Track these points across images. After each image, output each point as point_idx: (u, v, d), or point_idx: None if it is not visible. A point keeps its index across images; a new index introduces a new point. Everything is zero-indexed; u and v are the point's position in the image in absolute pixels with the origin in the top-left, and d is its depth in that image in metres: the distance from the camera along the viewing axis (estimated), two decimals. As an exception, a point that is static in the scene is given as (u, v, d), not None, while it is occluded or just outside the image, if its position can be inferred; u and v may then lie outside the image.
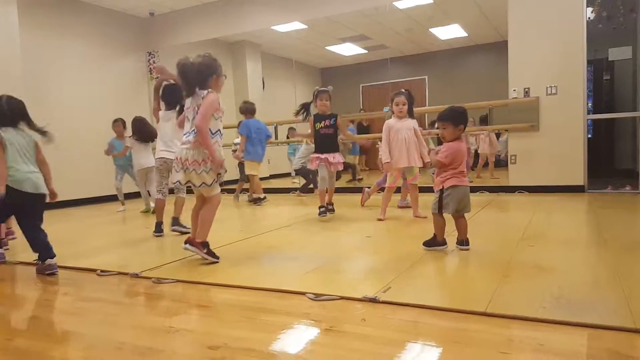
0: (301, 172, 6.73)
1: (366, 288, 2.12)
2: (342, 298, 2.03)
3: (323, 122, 4.18)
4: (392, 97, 4.19)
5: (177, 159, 2.73)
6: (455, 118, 2.70)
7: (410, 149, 4.05)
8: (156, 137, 5.23)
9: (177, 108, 3.30)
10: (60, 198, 6.66)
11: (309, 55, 9.67)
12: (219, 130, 2.73)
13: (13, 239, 3.87)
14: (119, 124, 5.94)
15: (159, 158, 3.98)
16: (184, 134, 2.78)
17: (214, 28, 7.66)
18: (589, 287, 2.07)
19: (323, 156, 4.16)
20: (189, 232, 3.90)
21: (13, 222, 3.70)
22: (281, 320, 1.85)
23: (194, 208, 2.92)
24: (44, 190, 2.98)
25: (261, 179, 6.19)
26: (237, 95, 8.49)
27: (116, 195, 6.20)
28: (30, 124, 2.97)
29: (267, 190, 6.33)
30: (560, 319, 1.66)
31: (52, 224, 5.10)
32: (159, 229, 3.94)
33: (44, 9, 6.76)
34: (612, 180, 5.83)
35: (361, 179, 7.93)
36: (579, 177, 5.43)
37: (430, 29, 8.41)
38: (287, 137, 7.98)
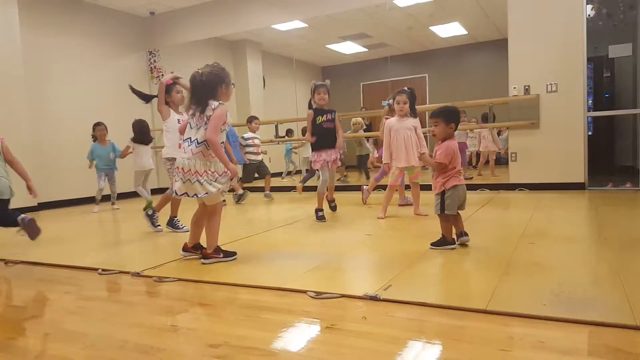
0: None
1: (367, 286, 2.13)
2: (343, 296, 2.04)
3: (324, 115, 4.11)
4: (394, 96, 4.18)
5: (177, 168, 2.69)
6: (447, 115, 2.73)
7: (411, 149, 4.05)
8: (150, 141, 5.39)
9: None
10: (60, 197, 6.69)
11: (310, 54, 9.67)
12: (222, 142, 2.71)
13: None
14: (102, 127, 5.93)
15: (171, 158, 3.84)
16: (185, 141, 2.73)
17: (214, 27, 7.66)
18: (589, 284, 2.07)
19: (324, 156, 4.10)
20: (182, 232, 3.94)
21: None
22: (282, 319, 1.85)
23: (195, 214, 2.90)
24: (6, 195, 3.02)
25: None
26: (238, 94, 8.50)
27: (118, 193, 6.25)
28: None
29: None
30: (561, 316, 1.66)
31: (53, 223, 5.13)
32: (171, 224, 4.02)
33: (45, 9, 6.76)
34: (613, 177, 5.83)
35: (346, 175, 7.98)
36: (579, 174, 5.44)
37: (430, 27, 8.41)
38: (285, 136, 8.00)
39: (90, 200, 6.71)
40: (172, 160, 3.65)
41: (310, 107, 4.20)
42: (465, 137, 7.26)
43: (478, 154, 7.86)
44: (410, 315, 1.81)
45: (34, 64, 6.55)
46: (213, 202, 2.77)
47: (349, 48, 9.45)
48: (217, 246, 2.79)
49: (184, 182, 2.66)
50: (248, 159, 6.13)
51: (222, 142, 2.71)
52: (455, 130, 2.78)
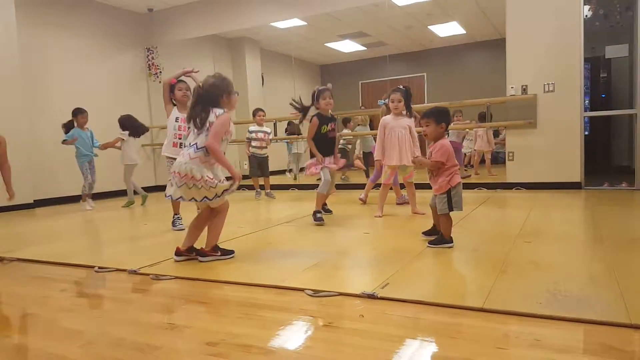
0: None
1: (364, 284, 2.14)
2: (340, 294, 2.04)
3: (329, 124, 3.97)
4: (389, 94, 4.17)
5: (174, 172, 2.63)
6: (438, 115, 2.80)
7: (404, 148, 4.04)
8: (147, 131, 5.40)
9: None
10: (57, 194, 6.68)
11: (308, 52, 9.66)
12: (224, 152, 2.68)
13: None
14: (86, 114, 5.85)
15: (169, 157, 3.80)
16: (185, 146, 2.70)
17: (212, 24, 7.65)
18: (585, 283, 2.08)
19: (327, 161, 3.97)
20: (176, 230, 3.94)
21: None
22: (280, 317, 1.86)
23: (198, 217, 2.86)
24: None
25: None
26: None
27: (114, 191, 6.22)
28: None
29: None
30: (557, 315, 1.67)
31: (49, 220, 5.12)
32: (178, 223, 4.00)
33: (42, 5, 6.73)
34: (609, 177, 5.85)
35: (346, 176, 7.98)
36: (575, 173, 5.46)
37: (429, 26, 8.41)
38: (285, 131, 7.99)
39: (100, 196, 6.69)
40: (170, 159, 3.67)
41: (306, 115, 4.04)
42: (457, 137, 7.22)
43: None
44: (408, 313, 1.81)
45: (31, 61, 6.52)
46: (217, 204, 2.73)
47: (348, 46, 9.45)
48: (216, 244, 2.78)
49: (179, 187, 2.60)
50: (252, 152, 6.05)
51: (224, 153, 2.66)
52: (446, 130, 2.84)
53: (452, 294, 2.00)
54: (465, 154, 7.90)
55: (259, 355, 1.51)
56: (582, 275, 2.22)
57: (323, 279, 2.29)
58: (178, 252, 2.81)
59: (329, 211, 4.33)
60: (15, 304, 2.30)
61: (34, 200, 6.24)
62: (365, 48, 9.49)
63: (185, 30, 7.87)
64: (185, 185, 2.58)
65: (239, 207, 5.55)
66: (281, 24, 7.66)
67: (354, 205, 4.96)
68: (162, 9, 8.01)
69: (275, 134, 7.58)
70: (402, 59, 9.63)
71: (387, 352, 1.49)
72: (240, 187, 6.48)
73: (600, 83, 7.81)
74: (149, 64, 8.28)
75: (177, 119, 3.80)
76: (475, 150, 7.54)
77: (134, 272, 2.63)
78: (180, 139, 3.75)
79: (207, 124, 2.61)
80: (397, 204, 4.74)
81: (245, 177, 6.51)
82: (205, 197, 2.61)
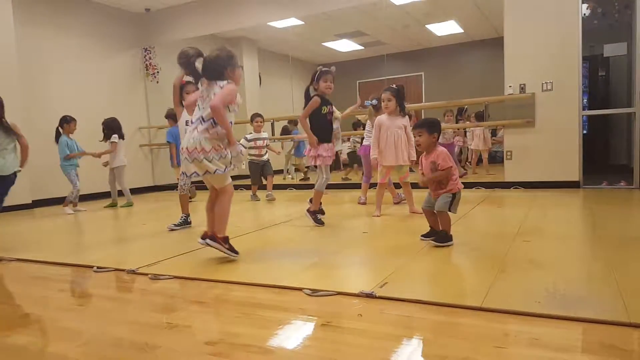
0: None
1: (363, 283, 2.13)
2: (338, 293, 2.04)
3: (329, 106, 3.78)
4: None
5: (182, 149, 2.66)
6: (430, 126, 2.89)
7: (400, 148, 4.04)
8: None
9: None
10: (56, 194, 6.68)
11: (306, 52, 9.65)
12: (231, 122, 2.68)
13: None
14: (75, 123, 5.80)
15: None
16: (191, 122, 2.71)
17: (210, 24, 7.63)
18: (584, 282, 2.09)
19: (321, 150, 3.78)
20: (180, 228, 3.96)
21: None
22: (278, 316, 1.85)
23: (208, 200, 2.87)
24: None
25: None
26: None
27: (106, 192, 6.26)
28: None
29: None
30: (555, 314, 1.68)
31: (47, 220, 5.11)
32: (186, 221, 4.02)
33: (39, 5, 6.72)
34: (607, 175, 5.86)
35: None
36: (574, 172, 5.47)
37: (426, 26, 8.41)
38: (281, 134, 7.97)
39: (86, 198, 6.69)
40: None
41: (308, 97, 3.78)
42: (444, 138, 7.15)
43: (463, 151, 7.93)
44: (406, 313, 1.81)
45: (29, 61, 6.50)
46: (222, 184, 2.72)
47: (345, 46, 9.45)
48: (226, 236, 2.74)
49: (191, 162, 2.63)
50: (250, 160, 5.97)
51: (231, 123, 2.66)
52: (437, 140, 2.91)
53: (451, 293, 2.01)
54: (459, 148, 7.90)
55: (257, 355, 1.51)
56: (581, 274, 2.22)
57: (321, 279, 2.29)
58: (204, 236, 2.77)
59: (321, 211, 4.14)
60: (15, 304, 2.30)
61: (32, 201, 6.23)
62: (363, 47, 9.48)
63: (182, 30, 7.86)
64: (196, 159, 2.60)
65: (237, 207, 5.55)
66: (278, 24, 7.65)
67: (352, 205, 4.95)
68: (160, 9, 8.00)
69: (273, 133, 7.57)
70: (399, 58, 9.64)
71: (385, 351, 1.49)
72: (237, 188, 6.48)
73: (599, 81, 7.82)
74: (146, 64, 8.26)
75: (187, 122, 3.83)
76: (472, 149, 7.55)
77: (133, 272, 2.63)
78: None
79: (212, 95, 2.62)
80: (395, 203, 4.74)
81: (245, 176, 6.50)
82: (207, 171, 2.63)
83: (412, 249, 2.77)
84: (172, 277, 2.49)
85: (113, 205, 6.04)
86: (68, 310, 2.11)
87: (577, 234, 3.17)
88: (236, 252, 2.77)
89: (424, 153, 2.94)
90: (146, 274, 2.56)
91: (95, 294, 2.37)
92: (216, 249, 2.71)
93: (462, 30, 8.57)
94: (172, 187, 6.90)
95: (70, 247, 3.60)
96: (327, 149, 3.82)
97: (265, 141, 6.05)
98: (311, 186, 4.38)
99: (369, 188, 5.04)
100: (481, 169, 7.53)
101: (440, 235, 2.83)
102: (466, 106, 7.40)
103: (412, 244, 2.89)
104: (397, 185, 4.67)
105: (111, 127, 5.90)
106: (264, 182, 6.02)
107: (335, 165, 7.25)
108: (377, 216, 4.06)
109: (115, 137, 5.88)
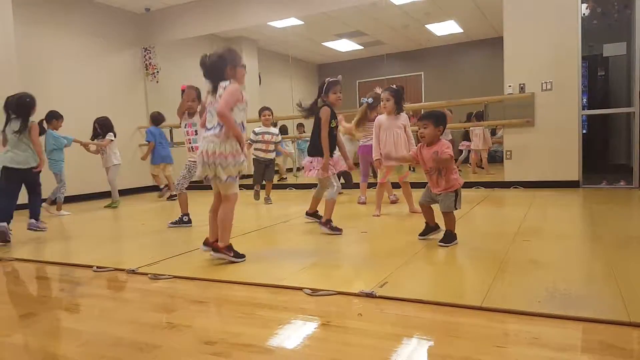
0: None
1: (363, 283, 2.13)
2: (338, 293, 2.04)
3: (336, 120, 3.60)
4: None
5: (201, 152, 2.65)
6: (436, 119, 2.86)
7: (399, 148, 4.03)
8: None
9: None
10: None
11: (306, 51, 9.65)
12: (242, 122, 2.67)
13: None
14: (62, 120, 5.74)
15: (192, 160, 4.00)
16: (209, 129, 2.69)
17: (210, 24, 7.63)
18: (584, 281, 2.09)
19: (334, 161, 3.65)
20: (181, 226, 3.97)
21: None
22: (278, 316, 1.85)
23: (211, 208, 2.86)
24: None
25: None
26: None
27: (106, 192, 6.27)
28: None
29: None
30: (555, 313, 1.68)
31: (47, 220, 5.08)
32: (183, 220, 4.05)
33: (39, 5, 6.71)
34: (607, 175, 5.86)
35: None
36: (573, 172, 5.47)
37: (426, 25, 8.41)
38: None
39: (86, 197, 6.69)
40: (190, 162, 3.98)
41: (313, 112, 3.63)
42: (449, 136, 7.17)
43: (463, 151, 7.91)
44: (406, 312, 1.81)
45: (29, 61, 6.49)
46: (229, 191, 2.72)
47: (345, 46, 9.45)
48: (230, 244, 2.73)
49: (207, 166, 2.62)
50: (255, 156, 5.65)
51: (242, 123, 2.66)
52: (442, 133, 2.88)
53: (451, 292, 2.01)
54: (467, 152, 7.89)
55: (257, 354, 1.51)
56: (581, 273, 2.22)
57: (321, 278, 2.30)
58: (206, 243, 2.85)
59: (318, 216, 3.94)
60: (15, 304, 2.30)
61: (32, 201, 6.22)
62: (363, 47, 9.48)
63: (182, 30, 7.86)
64: (213, 164, 2.60)
65: (237, 207, 5.54)
66: (278, 24, 7.65)
67: (351, 205, 4.95)
68: (160, 9, 7.99)
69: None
70: (399, 58, 9.63)
71: (385, 350, 1.49)
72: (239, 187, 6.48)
73: (598, 81, 7.82)
74: (146, 64, 8.25)
75: (185, 125, 4.02)
76: (472, 149, 7.54)
77: (133, 272, 2.63)
78: (190, 143, 4.01)
79: (218, 98, 2.62)
80: (392, 202, 4.76)
81: (245, 176, 6.48)
82: (230, 176, 2.63)
83: (412, 248, 2.77)
84: (172, 276, 2.49)
85: (117, 203, 6.05)
86: (67, 310, 2.11)
87: (577, 234, 3.17)
88: (242, 257, 2.74)
89: (424, 143, 2.89)
90: (146, 274, 2.56)
91: (95, 293, 2.37)
92: (222, 259, 2.70)
93: (461, 30, 8.57)
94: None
95: (70, 246, 3.60)
96: (337, 160, 3.72)
97: (274, 137, 5.64)
98: (311, 186, 4.38)
99: (368, 188, 5.04)
100: (481, 169, 7.53)
101: (446, 236, 2.83)
102: (473, 112, 7.43)
103: (412, 244, 2.88)
104: (397, 185, 4.67)
105: (107, 126, 5.97)
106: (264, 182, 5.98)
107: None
108: (377, 216, 4.06)
109: (111, 135, 5.94)
